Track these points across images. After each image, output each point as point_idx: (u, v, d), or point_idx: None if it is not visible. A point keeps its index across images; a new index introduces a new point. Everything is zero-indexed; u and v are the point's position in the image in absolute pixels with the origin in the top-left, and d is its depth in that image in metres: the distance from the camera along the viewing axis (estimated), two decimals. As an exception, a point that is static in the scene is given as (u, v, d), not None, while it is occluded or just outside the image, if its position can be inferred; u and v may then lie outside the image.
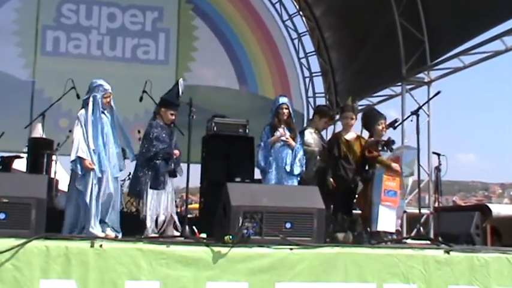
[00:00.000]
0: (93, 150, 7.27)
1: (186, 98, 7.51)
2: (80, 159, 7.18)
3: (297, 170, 8.20)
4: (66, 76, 10.31)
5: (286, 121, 8.37)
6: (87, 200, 7.15)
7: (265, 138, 8.33)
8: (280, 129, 8.30)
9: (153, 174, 7.86)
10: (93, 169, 7.19)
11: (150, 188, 7.83)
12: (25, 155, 11.28)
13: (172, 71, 15.64)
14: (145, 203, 7.86)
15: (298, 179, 8.28)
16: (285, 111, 8.36)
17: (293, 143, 8.24)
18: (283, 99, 8.50)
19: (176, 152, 7.92)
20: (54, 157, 10.82)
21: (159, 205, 7.89)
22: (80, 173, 7.21)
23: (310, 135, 8.75)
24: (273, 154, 8.25)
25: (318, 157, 8.63)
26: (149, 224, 7.81)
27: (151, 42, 15.87)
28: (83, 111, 7.42)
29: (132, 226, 7.69)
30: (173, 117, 8.04)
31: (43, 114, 10.49)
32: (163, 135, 7.94)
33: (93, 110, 7.41)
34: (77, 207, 7.25)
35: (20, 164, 11.45)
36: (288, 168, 8.17)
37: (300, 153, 8.27)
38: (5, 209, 5.72)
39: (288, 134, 8.28)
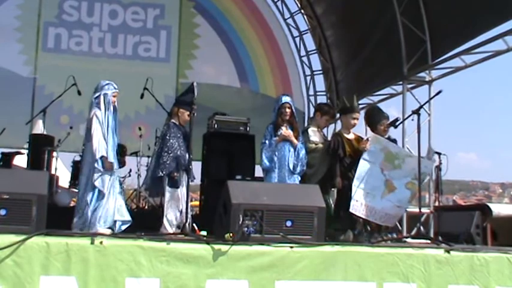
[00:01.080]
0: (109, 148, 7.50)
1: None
2: (102, 159, 7.36)
3: (299, 169, 8.25)
4: (68, 73, 10.37)
5: (288, 120, 8.38)
6: (104, 199, 7.37)
7: (269, 137, 8.33)
8: (283, 128, 8.31)
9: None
10: (112, 168, 7.44)
11: (169, 186, 7.90)
12: (26, 151, 11.31)
13: (173, 68, 15.63)
14: (165, 201, 7.93)
15: (299, 177, 8.30)
16: (288, 110, 8.38)
17: (296, 142, 8.27)
18: (285, 99, 8.51)
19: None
20: (54, 153, 10.85)
21: (178, 203, 7.94)
22: (101, 170, 7.37)
23: (314, 134, 8.75)
24: (276, 153, 8.27)
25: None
26: (168, 222, 7.88)
27: (153, 40, 15.86)
28: (98, 110, 7.52)
29: (132, 223, 7.70)
30: (189, 118, 8.09)
31: (44, 110, 10.52)
32: (179, 135, 8.01)
33: (105, 108, 7.58)
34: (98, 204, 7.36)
35: (21, 160, 11.48)
36: (291, 167, 8.20)
37: (302, 152, 8.29)
38: (5, 205, 5.73)
39: (290, 132, 8.30)
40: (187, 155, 7.86)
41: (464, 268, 6.36)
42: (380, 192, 8.00)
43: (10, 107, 13.96)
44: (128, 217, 7.57)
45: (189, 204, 7.31)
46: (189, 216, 7.09)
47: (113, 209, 7.45)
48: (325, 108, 9.26)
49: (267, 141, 8.34)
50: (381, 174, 8.06)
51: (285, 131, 8.29)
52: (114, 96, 7.67)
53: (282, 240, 6.01)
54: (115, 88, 7.70)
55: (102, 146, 7.38)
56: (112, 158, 7.52)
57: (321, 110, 9.15)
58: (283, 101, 8.44)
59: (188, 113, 8.04)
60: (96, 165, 7.36)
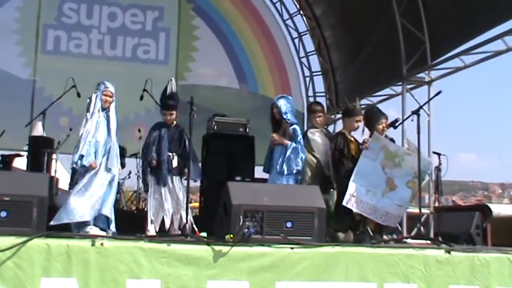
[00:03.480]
0: (94, 147, 7.41)
1: (187, 97, 7.53)
2: (82, 157, 7.28)
3: (286, 169, 8.06)
4: (67, 75, 10.37)
5: (277, 121, 8.31)
6: (86, 197, 7.27)
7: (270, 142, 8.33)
8: (274, 134, 8.23)
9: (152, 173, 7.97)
10: (94, 167, 7.31)
11: (152, 185, 7.94)
12: (25, 154, 11.30)
13: (172, 71, 15.63)
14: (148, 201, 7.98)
15: (292, 178, 8.11)
16: (274, 110, 8.30)
17: (286, 142, 8.13)
18: (274, 99, 8.49)
19: (153, 162, 8.01)
20: (54, 155, 10.84)
21: (159, 204, 7.93)
22: (81, 170, 7.33)
23: (312, 135, 8.70)
24: (273, 156, 8.24)
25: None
26: (149, 222, 7.88)
27: (152, 42, 15.88)
28: (89, 108, 7.53)
29: (132, 224, 7.71)
30: (167, 117, 8.15)
31: (43, 112, 10.51)
32: (155, 134, 8.08)
33: (94, 107, 7.52)
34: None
35: (20, 163, 11.47)
36: (278, 168, 8.06)
37: (289, 152, 8.09)
38: (6, 207, 5.73)
39: (279, 137, 8.15)
40: (164, 154, 7.97)
41: (464, 268, 6.37)
42: (381, 190, 7.99)
43: (9, 109, 13.98)
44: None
45: (188, 205, 7.30)
46: (189, 217, 7.10)
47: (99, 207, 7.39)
48: (309, 106, 9.34)
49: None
50: (382, 172, 8.04)
51: (273, 137, 8.22)
52: (105, 95, 7.59)
53: (282, 241, 6.01)
54: (106, 87, 7.62)
55: (84, 145, 7.36)
56: (103, 157, 7.49)
57: (307, 110, 9.21)
58: (272, 103, 8.44)
59: (164, 111, 8.20)
60: (76, 164, 7.38)
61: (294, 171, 8.07)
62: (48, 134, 11.23)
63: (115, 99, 7.71)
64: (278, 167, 8.05)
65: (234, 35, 16.54)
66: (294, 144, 8.11)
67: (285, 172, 8.02)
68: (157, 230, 7.92)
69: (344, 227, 8.02)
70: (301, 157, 8.12)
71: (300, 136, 8.24)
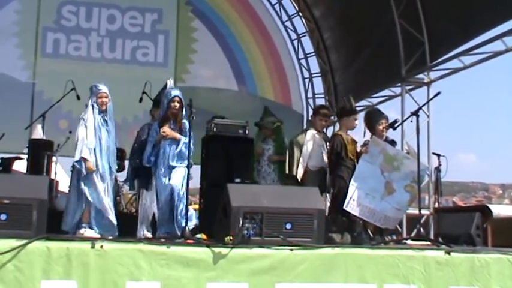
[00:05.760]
0: (94, 150, 7.49)
1: (186, 100, 7.52)
2: (83, 160, 7.30)
3: (180, 163, 7.69)
4: (66, 78, 10.39)
5: (175, 114, 7.88)
6: (91, 199, 7.41)
7: (155, 134, 7.91)
8: (165, 127, 7.80)
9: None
10: (94, 170, 7.40)
11: (143, 188, 7.92)
12: (25, 156, 11.30)
13: (171, 73, 15.57)
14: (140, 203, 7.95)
15: (183, 171, 7.65)
16: (177, 104, 7.84)
17: (177, 136, 7.74)
18: (175, 92, 7.96)
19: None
20: (54, 158, 10.83)
21: (151, 205, 7.91)
22: (84, 172, 7.41)
23: (312, 138, 8.70)
24: (161, 151, 7.83)
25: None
26: (139, 224, 7.89)
27: (151, 44, 15.86)
28: (83, 114, 7.59)
29: (132, 227, 7.71)
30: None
31: (43, 115, 10.51)
32: (145, 139, 8.05)
33: (92, 111, 7.64)
34: (79, 206, 7.36)
35: (20, 165, 11.47)
36: (169, 162, 7.67)
37: (182, 145, 7.71)
38: (6, 209, 5.75)
39: (170, 131, 7.76)
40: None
41: (464, 269, 6.37)
42: (380, 193, 8.01)
43: (9, 112, 13.98)
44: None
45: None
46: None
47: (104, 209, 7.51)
48: (317, 109, 9.31)
49: (151, 139, 7.96)
50: (381, 175, 8.06)
51: (168, 131, 7.78)
52: (100, 98, 7.67)
53: (281, 242, 6.02)
54: (99, 90, 7.68)
55: (84, 147, 7.46)
56: (103, 159, 7.59)
57: (313, 112, 9.17)
58: (173, 95, 7.90)
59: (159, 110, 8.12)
60: (78, 166, 7.46)
61: (184, 165, 7.60)
62: (47, 136, 11.22)
63: (111, 99, 7.78)
64: (169, 161, 7.66)
65: (232, 37, 16.53)
66: (185, 139, 7.72)
67: (177, 166, 7.65)
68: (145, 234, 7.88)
69: (339, 228, 8.00)
70: (191, 150, 7.63)
71: (188, 128, 7.78)
